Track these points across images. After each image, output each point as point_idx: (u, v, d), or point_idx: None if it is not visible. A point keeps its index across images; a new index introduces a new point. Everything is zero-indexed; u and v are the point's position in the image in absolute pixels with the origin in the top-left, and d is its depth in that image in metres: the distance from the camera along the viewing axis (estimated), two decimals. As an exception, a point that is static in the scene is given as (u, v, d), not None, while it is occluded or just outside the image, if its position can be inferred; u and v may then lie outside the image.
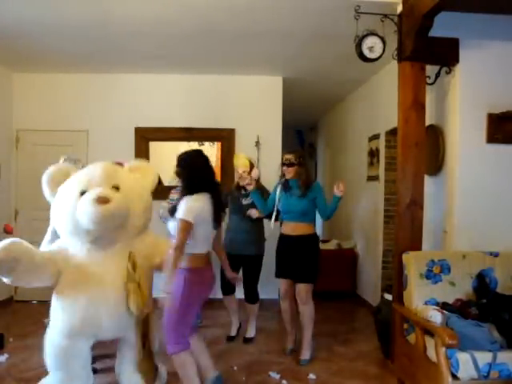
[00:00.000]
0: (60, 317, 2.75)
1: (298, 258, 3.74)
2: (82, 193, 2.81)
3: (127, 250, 2.83)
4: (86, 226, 2.74)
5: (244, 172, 4.08)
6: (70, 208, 2.81)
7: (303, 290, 3.73)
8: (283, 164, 3.78)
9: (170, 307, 2.67)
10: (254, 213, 4.01)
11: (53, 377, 2.81)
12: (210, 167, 2.89)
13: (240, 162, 4.12)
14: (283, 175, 3.82)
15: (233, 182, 4.59)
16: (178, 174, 2.84)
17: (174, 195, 4.41)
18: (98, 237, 2.81)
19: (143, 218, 2.97)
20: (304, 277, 3.73)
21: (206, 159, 2.87)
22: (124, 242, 2.87)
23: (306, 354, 3.78)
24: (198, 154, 2.90)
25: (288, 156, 3.75)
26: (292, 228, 3.79)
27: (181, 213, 2.67)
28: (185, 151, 2.93)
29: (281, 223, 3.97)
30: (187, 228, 2.66)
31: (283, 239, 3.87)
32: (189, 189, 2.77)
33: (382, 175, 5.03)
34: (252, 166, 4.18)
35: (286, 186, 3.81)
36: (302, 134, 9.55)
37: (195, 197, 2.73)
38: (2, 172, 5.16)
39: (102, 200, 2.71)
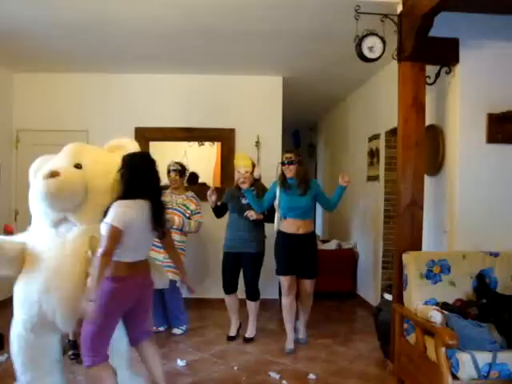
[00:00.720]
0: (20, 309, 2.62)
1: (305, 256, 3.91)
2: None
3: (88, 234, 2.63)
4: (41, 205, 2.61)
5: (246, 172, 4.07)
6: (32, 190, 2.72)
7: (310, 285, 4.02)
8: (283, 163, 3.88)
9: (90, 317, 2.45)
10: (251, 214, 4.02)
11: (24, 379, 2.63)
12: (156, 172, 2.68)
13: (242, 163, 4.11)
14: (283, 174, 3.90)
15: (233, 182, 4.59)
16: (121, 175, 2.60)
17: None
18: (58, 220, 2.66)
19: (108, 197, 2.62)
20: (311, 273, 3.98)
21: (151, 163, 2.67)
22: (86, 226, 2.66)
23: (305, 333, 4.21)
24: (145, 156, 2.72)
25: (288, 155, 3.89)
26: (296, 226, 3.90)
27: (110, 218, 2.44)
28: (133, 152, 2.75)
29: (280, 220, 4.00)
30: (116, 235, 2.43)
31: (287, 237, 3.93)
32: (126, 192, 2.55)
33: (382, 175, 5.03)
34: (254, 165, 4.18)
35: (285, 184, 3.89)
36: (299, 134, 9.48)
37: (129, 202, 2.51)
38: (2, 172, 5.16)
39: (51, 174, 2.55)
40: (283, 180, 3.91)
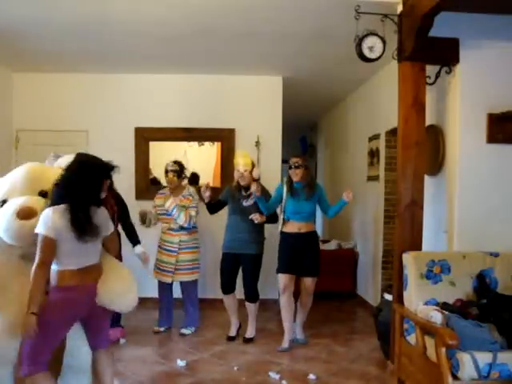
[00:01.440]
0: None
1: (308, 254, 3.98)
2: (3, 203, 2.45)
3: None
4: (8, 242, 2.40)
5: (246, 171, 4.08)
6: None
7: (312, 283, 4.05)
8: (290, 167, 3.97)
9: (30, 331, 2.26)
10: (256, 217, 4.00)
11: None
12: (96, 182, 2.45)
13: (241, 161, 4.12)
14: (289, 178, 4.00)
15: (233, 182, 4.58)
16: (60, 177, 2.42)
17: (159, 200, 4.39)
18: (28, 252, 2.44)
19: None
20: (314, 271, 4.03)
21: (96, 171, 2.45)
22: None
23: (302, 334, 4.21)
24: (92, 163, 2.48)
25: (295, 159, 3.98)
26: (299, 226, 3.99)
27: (39, 227, 2.29)
28: (86, 155, 2.55)
29: (283, 222, 4.06)
30: (49, 244, 2.28)
31: (290, 237, 4.00)
32: (57, 196, 2.37)
33: (382, 175, 5.03)
34: (253, 165, 4.18)
35: (292, 188, 3.99)
36: (306, 140, 9.53)
37: (58, 208, 2.34)
38: (2, 172, 5.14)
39: (26, 214, 2.33)
40: (290, 184, 3.99)
